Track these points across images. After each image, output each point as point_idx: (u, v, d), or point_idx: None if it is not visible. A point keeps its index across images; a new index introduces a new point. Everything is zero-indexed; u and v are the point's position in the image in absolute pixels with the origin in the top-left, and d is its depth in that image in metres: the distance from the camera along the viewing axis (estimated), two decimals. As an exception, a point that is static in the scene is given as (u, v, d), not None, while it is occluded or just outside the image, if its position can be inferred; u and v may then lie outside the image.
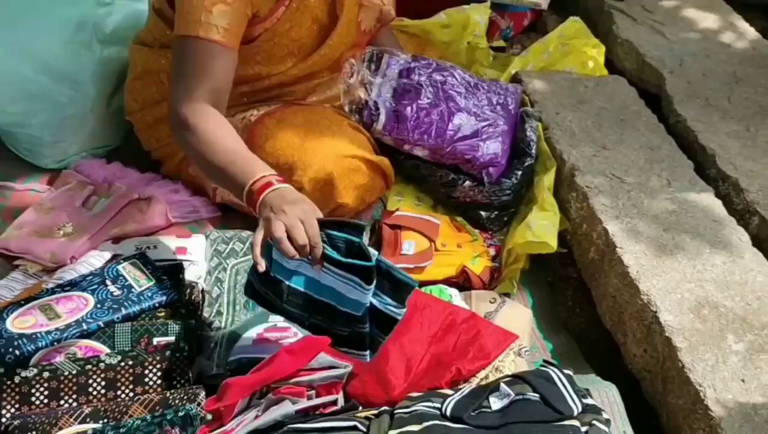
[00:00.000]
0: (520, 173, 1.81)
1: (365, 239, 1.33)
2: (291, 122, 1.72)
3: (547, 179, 1.80)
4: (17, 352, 1.27)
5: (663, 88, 2.14)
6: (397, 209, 1.79)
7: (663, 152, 1.88)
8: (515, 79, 2.15)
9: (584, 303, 1.72)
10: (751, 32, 2.40)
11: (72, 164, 1.89)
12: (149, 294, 1.43)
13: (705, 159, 1.88)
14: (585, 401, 1.19)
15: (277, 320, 1.42)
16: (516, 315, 1.57)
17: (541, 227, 1.66)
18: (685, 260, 1.55)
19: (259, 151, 1.65)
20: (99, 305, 1.38)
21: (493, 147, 1.78)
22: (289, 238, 1.21)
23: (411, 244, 1.70)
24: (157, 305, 1.42)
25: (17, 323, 1.33)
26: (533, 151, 1.83)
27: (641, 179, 1.77)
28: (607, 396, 1.37)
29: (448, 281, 1.64)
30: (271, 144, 1.68)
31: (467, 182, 1.78)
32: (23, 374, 1.24)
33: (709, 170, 1.86)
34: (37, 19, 1.82)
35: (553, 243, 1.64)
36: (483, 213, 1.78)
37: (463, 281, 1.65)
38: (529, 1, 2.33)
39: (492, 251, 1.74)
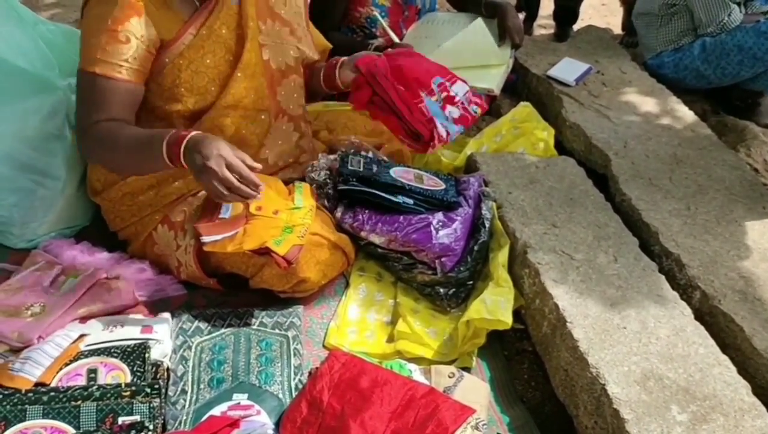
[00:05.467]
0: (476, 250, 1.90)
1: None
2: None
3: (502, 256, 1.89)
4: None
5: (609, 169, 2.27)
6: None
7: (610, 229, 1.98)
8: (470, 160, 2.26)
9: (539, 377, 1.78)
10: (690, 115, 2.57)
11: (41, 244, 1.93)
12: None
13: (649, 236, 2.00)
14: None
15: (241, 398, 1.46)
16: (474, 389, 1.62)
17: (495, 304, 1.73)
18: (631, 333, 1.63)
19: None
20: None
21: (446, 237, 1.85)
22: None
23: (229, 207, 1.69)
24: (122, 383, 1.45)
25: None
26: (488, 228, 1.92)
27: (589, 256, 1.86)
28: (560, 467, 1.42)
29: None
30: (235, 224, 1.74)
31: (422, 268, 1.86)
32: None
33: (653, 247, 1.97)
34: (10, 106, 1.87)
35: (507, 320, 1.72)
36: (441, 290, 1.86)
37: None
38: (483, 88, 2.45)
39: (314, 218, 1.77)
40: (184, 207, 1.81)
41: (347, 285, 1.91)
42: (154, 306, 1.78)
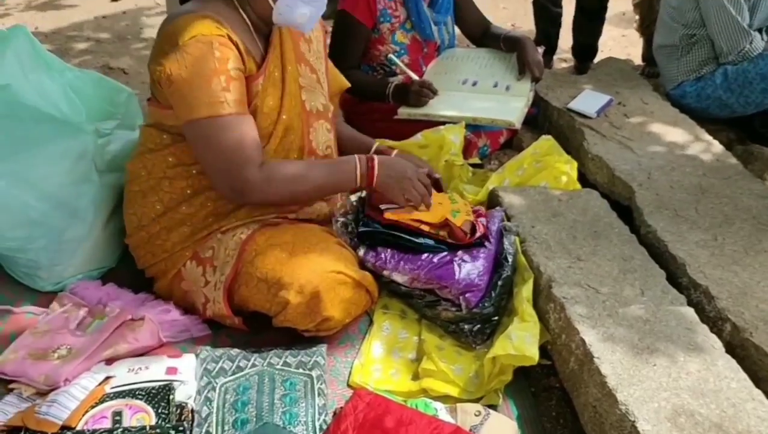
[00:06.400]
0: (500, 284, 1.88)
1: None
2: (280, 238, 1.81)
3: (526, 291, 1.87)
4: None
5: (633, 201, 2.25)
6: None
7: (635, 262, 1.96)
8: (492, 194, 2.26)
9: (567, 414, 1.75)
10: (715, 145, 2.55)
11: (68, 287, 1.96)
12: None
13: (676, 268, 1.97)
14: None
15: (266, 439, 1.46)
16: (501, 427, 1.60)
17: (521, 339, 1.71)
18: (661, 368, 1.60)
19: (248, 266, 1.77)
20: None
21: (469, 273, 1.84)
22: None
23: None
24: (147, 426, 1.45)
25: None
26: (511, 263, 1.91)
27: (615, 289, 1.84)
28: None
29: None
30: (260, 259, 1.76)
31: (446, 305, 1.85)
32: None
33: (681, 279, 1.94)
34: (40, 151, 1.92)
35: (534, 356, 1.69)
36: (466, 326, 1.84)
37: (447, 232, 1.90)
38: (504, 121, 2.47)
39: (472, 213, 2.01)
40: (213, 244, 1.84)
41: (371, 323, 1.91)
42: (179, 347, 1.79)
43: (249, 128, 1.75)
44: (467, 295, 1.82)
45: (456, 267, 1.85)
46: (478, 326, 1.85)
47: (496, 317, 1.89)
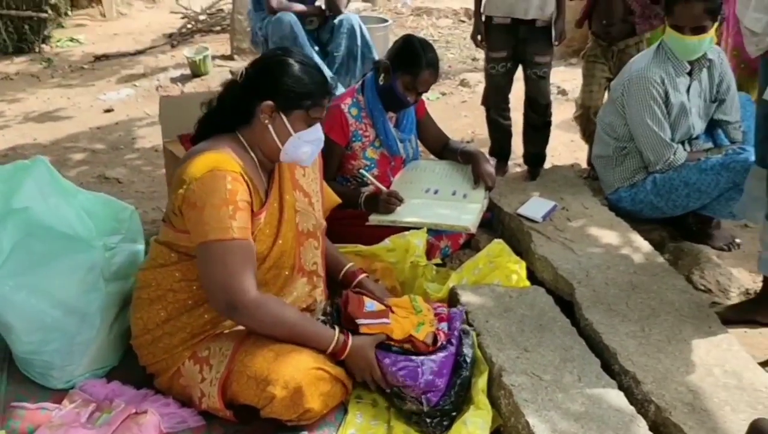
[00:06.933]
0: (458, 383, 2.13)
1: None
2: (266, 341, 2.06)
3: (481, 382, 2.14)
4: None
5: (574, 296, 2.57)
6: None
7: (575, 351, 2.26)
8: (452, 292, 2.56)
9: (519, 488, 2.01)
10: (645, 245, 2.89)
11: (77, 384, 2.20)
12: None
13: (609, 356, 2.27)
14: None
15: None
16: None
17: (475, 425, 1.98)
18: (593, 445, 1.88)
19: (239, 365, 2.04)
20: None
21: (431, 375, 2.09)
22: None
23: (372, 304, 2.22)
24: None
25: None
26: (469, 365, 2.17)
27: (556, 377, 2.13)
28: None
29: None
30: (249, 359, 2.03)
31: (411, 400, 2.10)
32: None
33: (613, 366, 2.24)
34: (55, 265, 2.20)
35: (485, 440, 1.97)
36: (428, 419, 2.08)
37: (410, 345, 2.14)
38: (461, 227, 2.81)
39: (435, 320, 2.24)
40: (209, 344, 2.11)
41: (345, 412, 2.16)
42: (178, 436, 2.04)
43: (249, 254, 2.03)
44: (428, 395, 2.07)
45: (419, 371, 2.11)
46: (438, 419, 2.09)
47: (454, 413, 2.12)
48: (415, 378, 2.09)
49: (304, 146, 2.15)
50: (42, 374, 2.23)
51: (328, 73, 4.44)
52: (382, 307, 2.22)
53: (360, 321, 2.14)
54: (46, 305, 2.18)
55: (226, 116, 2.16)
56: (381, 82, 2.94)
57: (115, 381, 2.22)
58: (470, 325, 2.34)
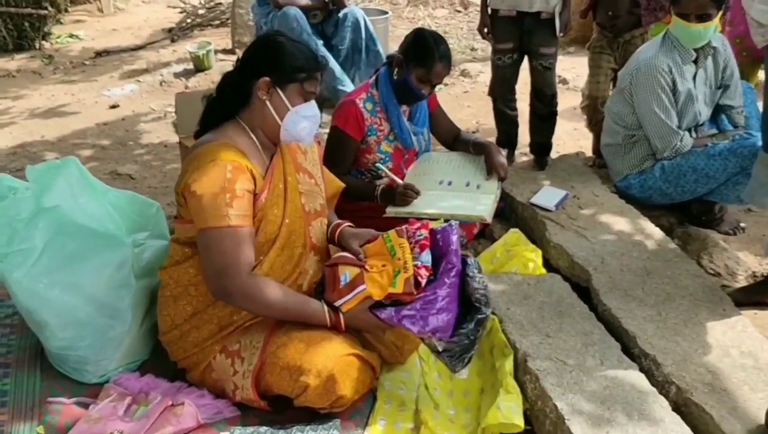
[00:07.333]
0: (473, 324, 2.10)
1: None
2: (297, 331, 2.12)
3: (508, 365, 2.22)
4: None
5: (590, 283, 2.64)
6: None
7: (595, 336, 2.33)
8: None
9: (546, 469, 2.08)
10: (656, 232, 2.97)
11: (111, 378, 2.25)
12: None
13: (629, 340, 2.34)
14: None
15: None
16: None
17: (508, 409, 2.05)
18: (619, 426, 1.95)
19: (271, 357, 2.09)
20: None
21: (434, 322, 2.07)
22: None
23: (346, 274, 2.17)
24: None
25: None
26: (484, 305, 2.11)
27: (579, 361, 2.20)
28: None
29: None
30: (282, 350, 2.08)
31: (427, 340, 2.12)
32: None
33: (633, 349, 2.31)
34: (87, 262, 2.25)
35: (520, 423, 2.03)
36: (447, 357, 2.13)
37: (393, 300, 2.11)
38: (477, 216, 2.87)
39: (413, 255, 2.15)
40: (239, 337, 2.16)
41: (375, 400, 2.21)
42: (215, 427, 2.09)
43: (245, 241, 2.06)
44: (438, 335, 2.08)
45: (418, 317, 2.06)
46: (458, 355, 2.12)
47: (474, 347, 2.12)
48: (416, 324, 2.08)
49: (302, 121, 2.21)
50: (76, 369, 2.28)
51: (332, 62, 4.48)
52: (356, 270, 2.16)
53: (337, 303, 2.13)
54: (79, 301, 2.23)
55: (226, 101, 2.23)
56: (395, 77, 2.98)
57: (149, 374, 2.27)
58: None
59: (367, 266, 2.17)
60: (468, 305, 2.15)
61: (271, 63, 2.17)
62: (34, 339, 2.39)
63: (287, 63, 2.17)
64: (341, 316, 2.13)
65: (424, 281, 2.13)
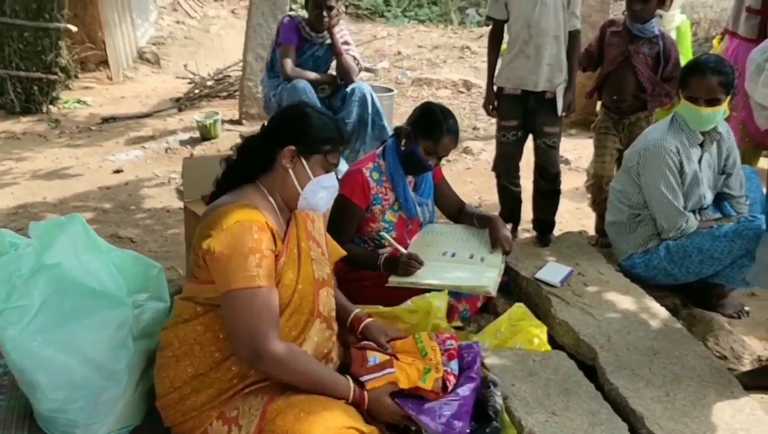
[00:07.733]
0: (487, 430, 2.13)
1: None
2: (297, 397, 2.06)
3: (513, 445, 2.16)
4: None
5: (597, 361, 2.59)
6: None
7: (602, 416, 2.27)
8: (476, 356, 2.57)
9: None
10: (662, 311, 2.94)
11: (101, 446, 2.17)
12: None
13: (636, 421, 2.28)
14: None
15: None
16: None
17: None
18: (630, 510, 1.88)
19: (270, 424, 2.01)
20: None
21: (453, 423, 2.09)
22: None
23: (375, 358, 2.23)
24: None
25: None
26: (498, 419, 2.17)
27: (587, 441, 2.14)
28: None
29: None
30: (281, 418, 2.00)
31: None
32: None
33: (641, 430, 2.25)
34: (87, 320, 2.20)
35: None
36: None
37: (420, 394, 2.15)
38: (482, 289, 2.84)
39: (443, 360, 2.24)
40: (238, 404, 2.09)
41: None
42: (207, 498, 2.00)
43: (274, 303, 2.06)
44: None
45: (437, 414, 2.11)
46: None
47: None
48: (434, 420, 2.10)
49: (322, 191, 2.24)
50: (65, 433, 2.19)
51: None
52: (386, 357, 2.24)
53: (364, 378, 2.16)
54: (74, 361, 2.17)
55: (248, 165, 2.25)
56: (403, 148, 3.01)
57: (140, 442, 2.19)
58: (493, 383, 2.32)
59: (398, 355, 2.26)
60: (481, 416, 2.21)
61: (298, 133, 2.22)
62: (23, 400, 2.32)
63: (314, 134, 2.22)
64: (365, 393, 2.13)
65: (451, 386, 2.21)
